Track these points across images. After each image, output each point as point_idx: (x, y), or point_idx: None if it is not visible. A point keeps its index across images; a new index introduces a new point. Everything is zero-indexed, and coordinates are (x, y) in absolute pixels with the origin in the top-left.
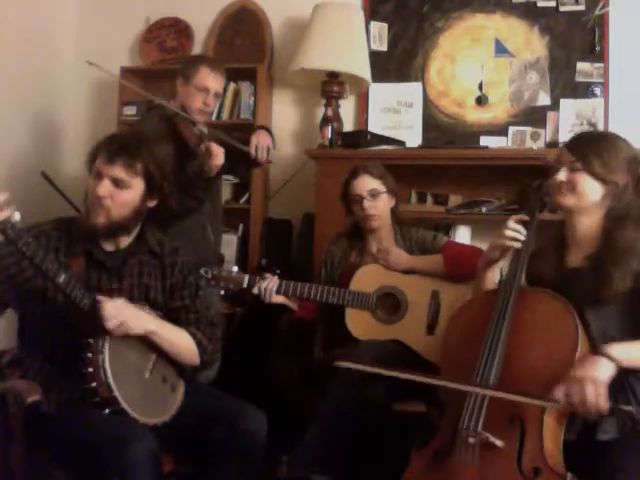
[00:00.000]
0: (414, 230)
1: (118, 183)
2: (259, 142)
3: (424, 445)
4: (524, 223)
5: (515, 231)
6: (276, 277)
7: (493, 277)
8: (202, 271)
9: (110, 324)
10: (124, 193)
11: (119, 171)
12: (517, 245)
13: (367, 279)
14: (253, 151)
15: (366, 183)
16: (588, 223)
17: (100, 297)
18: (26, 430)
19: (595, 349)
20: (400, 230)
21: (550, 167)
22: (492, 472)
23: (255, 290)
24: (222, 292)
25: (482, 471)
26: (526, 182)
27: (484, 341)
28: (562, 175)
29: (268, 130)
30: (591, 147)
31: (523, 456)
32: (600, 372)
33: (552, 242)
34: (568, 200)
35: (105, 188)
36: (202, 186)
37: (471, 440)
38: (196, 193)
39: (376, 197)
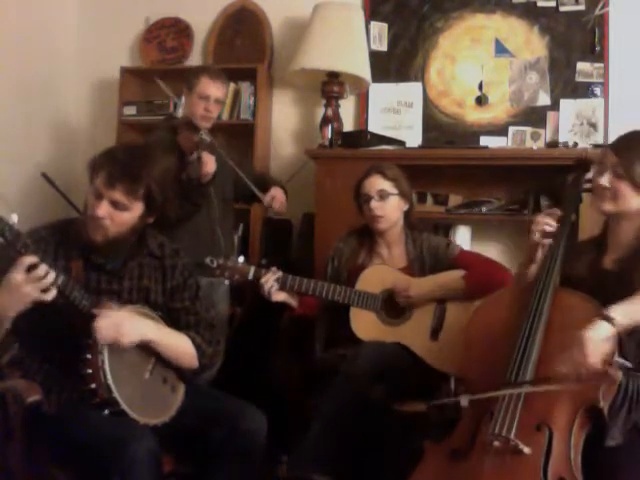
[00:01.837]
0: (425, 236)
1: (117, 205)
2: (277, 196)
3: (440, 441)
4: (560, 219)
5: (544, 224)
6: (280, 271)
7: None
8: (208, 260)
9: (104, 341)
10: (123, 214)
11: (119, 195)
12: (547, 240)
13: (374, 279)
14: (268, 200)
15: (376, 183)
16: (629, 227)
17: (96, 311)
18: (26, 430)
19: None
20: (411, 235)
21: (590, 162)
22: (515, 478)
23: (262, 280)
24: (227, 282)
25: (504, 476)
26: (560, 179)
27: (517, 341)
28: (605, 180)
29: (283, 188)
30: (637, 151)
31: (550, 465)
32: (593, 331)
33: (590, 242)
34: (607, 206)
35: (104, 210)
36: (197, 192)
37: (496, 444)
38: (192, 198)
39: (385, 198)
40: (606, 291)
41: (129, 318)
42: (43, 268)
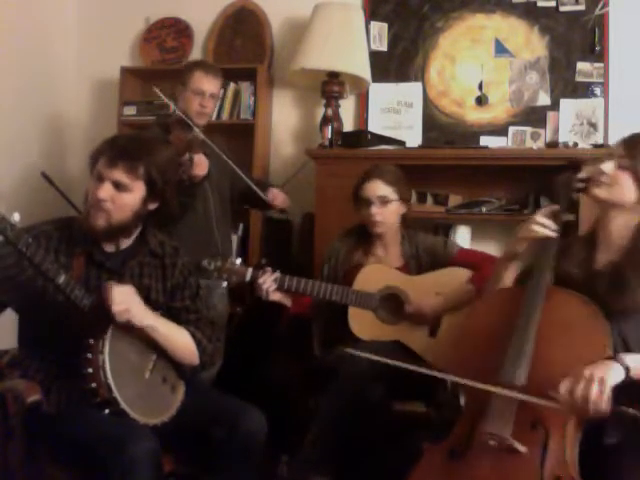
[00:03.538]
0: (421, 235)
1: (119, 186)
2: (277, 194)
3: (438, 441)
4: (554, 217)
5: (544, 226)
6: (277, 272)
7: (513, 273)
8: (205, 262)
9: (117, 307)
10: (125, 196)
11: (120, 174)
12: (550, 234)
13: (371, 279)
14: (270, 198)
15: (378, 189)
16: (621, 224)
17: (110, 282)
18: (26, 430)
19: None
20: (407, 234)
21: (582, 163)
22: (512, 478)
23: (260, 280)
24: (225, 284)
25: (501, 476)
26: (554, 178)
27: (511, 341)
28: (608, 167)
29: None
30: None
31: (546, 464)
32: (609, 374)
33: (582, 239)
34: (602, 193)
35: (106, 191)
36: (185, 192)
37: (491, 442)
38: (180, 198)
39: (385, 204)
40: (596, 292)
41: (138, 297)
42: None
